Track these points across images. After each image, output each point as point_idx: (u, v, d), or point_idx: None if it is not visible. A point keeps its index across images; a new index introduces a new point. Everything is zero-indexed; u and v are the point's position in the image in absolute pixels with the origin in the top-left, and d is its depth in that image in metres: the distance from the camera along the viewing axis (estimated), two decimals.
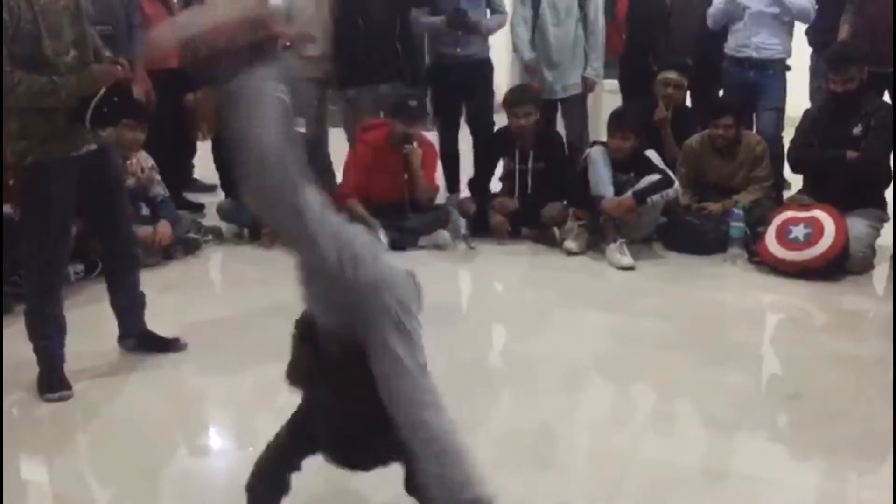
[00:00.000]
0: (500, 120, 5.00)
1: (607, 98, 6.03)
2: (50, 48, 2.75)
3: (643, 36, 5.27)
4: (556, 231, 4.65)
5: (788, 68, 4.96)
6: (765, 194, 4.57)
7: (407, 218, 4.62)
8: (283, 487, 2.00)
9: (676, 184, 4.39)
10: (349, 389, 1.77)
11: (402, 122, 4.54)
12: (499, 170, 4.92)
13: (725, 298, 3.93)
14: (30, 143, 2.79)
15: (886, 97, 4.68)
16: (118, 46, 4.41)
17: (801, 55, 5.13)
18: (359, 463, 1.95)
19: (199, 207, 5.17)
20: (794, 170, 4.65)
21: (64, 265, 3.14)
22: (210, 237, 4.66)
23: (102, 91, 2.80)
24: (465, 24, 4.86)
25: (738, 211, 4.36)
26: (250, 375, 3.11)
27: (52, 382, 2.94)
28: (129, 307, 3.25)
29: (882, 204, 4.32)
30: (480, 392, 2.92)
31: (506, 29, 5.22)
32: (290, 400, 1.91)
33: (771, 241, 4.16)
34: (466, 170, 5.11)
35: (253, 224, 4.69)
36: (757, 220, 4.33)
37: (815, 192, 4.35)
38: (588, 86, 5.14)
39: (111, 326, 3.29)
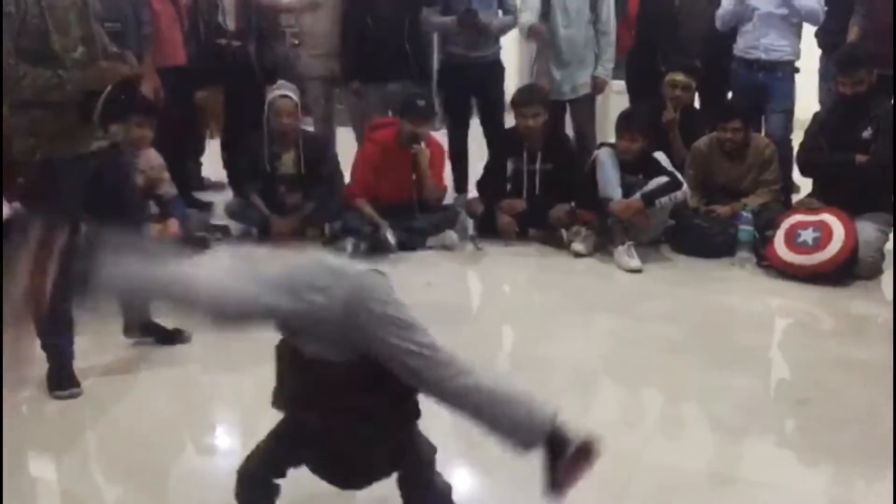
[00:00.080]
0: (509, 120, 5.00)
1: (615, 99, 6.02)
2: (58, 43, 2.76)
3: (651, 35, 5.26)
4: (564, 233, 4.64)
5: (797, 70, 4.94)
6: (773, 197, 4.55)
7: (415, 218, 4.63)
8: (273, 492, 1.99)
9: (685, 186, 4.38)
10: (343, 413, 1.77)
11: (410, 122, 4.55)
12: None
13: (733, 302, 3.92)
14: (38, 141, 2.80)
15: None
16: (127, 43, 4.43)
17: (810, 57, 5.11)
18: (351, 483, 1.96)
19: (208, 206, 5.18)
20: (803, 173, 4.63)
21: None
22: (219, 236, 4.67)
23: (110, 88, 2.80)
24: (475, 24, 4.86)
25: (746, 214, 4.36)
26: (257, 374, 3.07)
27: (62, 380, 2.95)
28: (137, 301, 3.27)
29: (892, 208, 4.30)
30: None
31: (515, 30, 5.21)
32: None
33: (779, 245, 4.14)
34: (475, 170, 5.11)
35: (261, 223, 4.70)
36: (765, 224, 4.32)
37: (824, 196, 4.33)
38: (598, 86, 5.13)
39: (119, 324, 3.31)
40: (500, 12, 5.06)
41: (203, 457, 2.71)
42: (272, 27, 5.20)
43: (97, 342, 3.22)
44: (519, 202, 4.73)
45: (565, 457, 1.76)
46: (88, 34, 2.86)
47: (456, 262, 4.50)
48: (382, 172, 4.61)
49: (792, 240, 4.12)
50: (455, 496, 2.05)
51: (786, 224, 4.19)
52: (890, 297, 4.01)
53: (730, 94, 5.15)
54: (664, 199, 4.33)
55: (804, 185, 4.88)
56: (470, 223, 4.82)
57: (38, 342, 2.96)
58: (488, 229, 4.71)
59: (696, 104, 5.22)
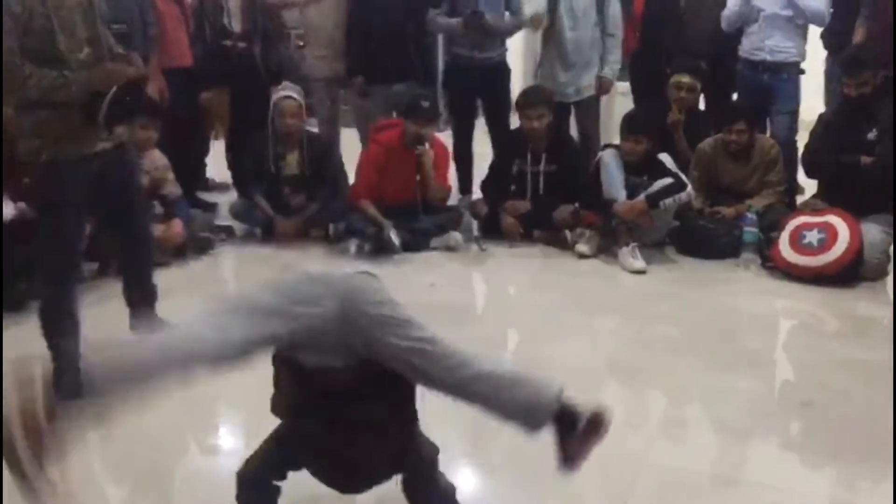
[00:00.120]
0: (514, 122, 4.99)
1: (620, 100, 6.02)
2: (64, 44, 2.76)
3: (656, 36, 5.25)
4: (568, 234, 4.64)
5: (803, 72, 4.93)
6: (778, 199, 4.55)
7: (419, 219, 4.63)
8: (274, 494, 1.99)
9: (689, 187, 4.37)
10: (344, 420, 1.78)
11: (414, 123, 4.55)
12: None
13: (738, 303, 3.91)
14: (44, 142, 2.80)
15: None
16: (132, 45, 4.44)
17: (815, 58, 5.11)
18: (352, 487, 1.96)
19: (212, 206, 5.18)
20: (808, 174, 4.62)
21: (78, 263, 3.16)
22: (223, 236, 4.67)
23: (115, 89, 2.80)
24: (481, 26, 4.86)
25: (751, 215, 4.35)
26: (261, 375, 3.10)
27: (67, 380, 2.95)
28: (143, 300, 3.28)
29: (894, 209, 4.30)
30: None
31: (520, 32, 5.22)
32: None
33: (784, 247, 4.14)
34: (479, 172, 5.11)
35: (265, 224, 4.71)
36: (770, 225, 4.32)
37: (830, 197, 4.32)
38: (603, 86, 5.11)
39: (124, 325, 3.31)
40: (507, 14, 5.05)
41: (207, 457, 2.72)
42: (277, 28, 5.21)
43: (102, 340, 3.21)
44: (523, 203, 4.73)
45: (576, 431, 1.79)
46: (94, 35, 2.86)
47: (460, 263, 4.50)
48: (386, 173, 4.61)
49: (797, 241, 4.12)
50: (459, 497, 2.04)
51: (791, 225, 4.19)
52: None
53: (735, 96, 5.15)
54: (668, 201, 4.33)
55: (809, 186, 4.87)
56: (474, 224, 4.82)
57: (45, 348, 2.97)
58: (492, 230, 4.71)
59: (701, 105, 5.22)
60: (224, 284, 4.47)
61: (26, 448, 1.57)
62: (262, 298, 1.76)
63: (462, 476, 2.36)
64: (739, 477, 2.50)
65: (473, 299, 4.26)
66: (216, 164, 5.65)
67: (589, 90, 5.07)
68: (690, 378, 3.12)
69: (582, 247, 4.48)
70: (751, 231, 4.30)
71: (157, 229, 4.15)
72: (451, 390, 1.79)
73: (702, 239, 4.44)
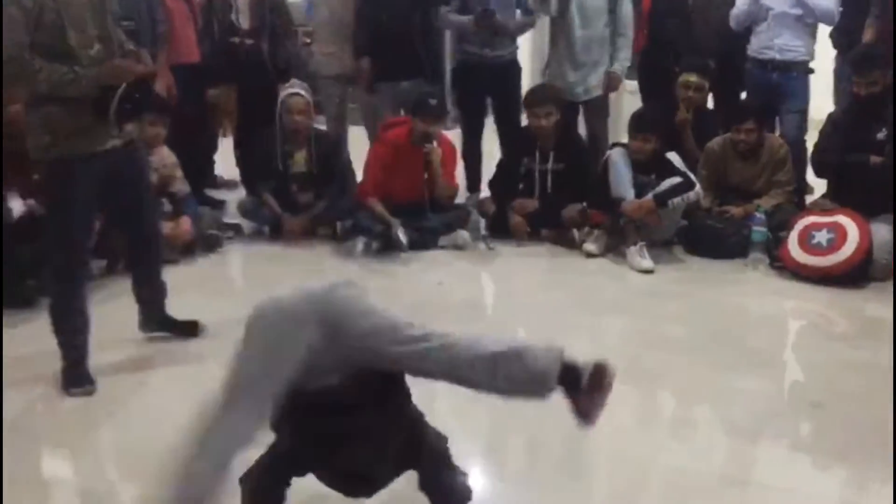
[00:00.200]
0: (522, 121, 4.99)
1: (628, 99, 6.00)
2: (74, 40, 2.76)
3: (664, 34, 5.23)
4: (576, 233, 4.63)
5: (812, 71, 4.92)
6: (787, 198, 4.54)
7: (426, 217, 4.62)
8: (281, 498, 1.99)
9: (698, 187, 4.37)
10: (346, 436, 1.79)
11: (422, 121, 4.54)
12: None
13: (747, 304, 3.90)
14: (53, 138, 2.81)
15: None
16: (141, 41, 4.45)
17: (825, 57, 5.09)
18: (363, 493, 1.97)
19: (220, 204, 5.19)
20: (818, 174, 4.61)
21: (87, 260, 3.17)
22: (231, 234, 4.68)
23: (125, 86, 2.81)
24: (492, 24, 4.85)
25: (759, 215, 4.34)
26: None
27: (77, 377, 2.97)
28: (152, 297, 3.31)
29: None
30: None
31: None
32: None
33: (793, 246, 4.13)
34: (487, 170, 5.10)
35: (273, 222, 4.71)
36: (779, 225, 4.30)
37: (839, 197, 4.31)
38: (612, 82, 5.05)
39: (134, 321, 3.33)
40: (519, 13, 5.03)
41: None
42: (285, 25, 5.20)
43: (111, 337, 3.22)
44: (530, 202, 4.72)
45: (582, 387, 1.84)
46: (105, 32, 2.87)
47: (467, 261, 4.50)
48: (394, 171, 4.60)
49: (806, 241, 4.11)
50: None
51: (799, 225, 4.18)
52: None
53: (743, 95, 5.13)
54: (677, 200, 4.32)
55: (818, 185, 4.86)
56: (482, 223, 4.82)
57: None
58: (500, 229, 4.71)
59: (710, 104, 5.21)
60: (232, 282, 4.48)
61: None
62: (249, 372, 1.79)
63: (471, 477, 2.35)
64: (748, 478, 2.49)
65: (481, 298, 4.26)
66: (224, 162, 5.66)
67: (598, 89, 5.05)
68: (699, 378, 3.12)
69: (590, 246, 4.47)
70: (759, 231, 4.29)
71: (166, 227, 4.15)
72: (459, 379, 1.83)
73: (710, 238, 4.43)
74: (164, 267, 3.35)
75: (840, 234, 4.04)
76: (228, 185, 5.59)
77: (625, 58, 5.05)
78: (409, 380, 1.92)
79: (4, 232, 3.65)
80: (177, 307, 3.40)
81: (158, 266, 3.29)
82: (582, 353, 3.26)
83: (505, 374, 1.80)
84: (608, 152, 4.56)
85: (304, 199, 4.75)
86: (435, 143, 4.58)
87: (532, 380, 1.81)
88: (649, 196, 4.32)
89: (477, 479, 2.41)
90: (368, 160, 4.77)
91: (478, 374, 1.80)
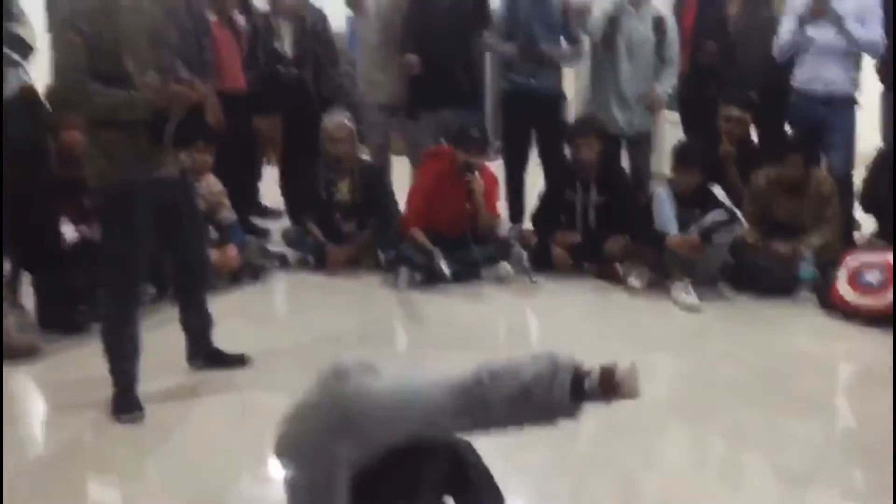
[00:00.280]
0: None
1: (670, 130, 5.98)
2: (131, 66, 2.81)
3: (705, 61, 5.19)
4: (619, 267, 4.60)
5: (857, 103, 4.86)
6: (835, 235, 4.47)
7: (469, 249, 4.62)
8: None
9: (742, 221, 4.32)
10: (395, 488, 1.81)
11: (464, 152, 4.56)
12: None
13: (795, 344, 3.84)
14: (112, 164, 2.85)
15: None
16: (188, 69, 4.51)
17: (871, 90, 5.03)
18: None
19: (264, 232, 5.23)
20: (866, 210, 4.55)
21: (142, 287, 3.21)
22: (276, 262, 4.71)
23: (181, 112, 2.85)
24: (537, 54, 4.86)
25: (807, 253, 4.28)
26: None
27: (126, 403, 3.00)
28: (199, 327, 3.34)
29: None
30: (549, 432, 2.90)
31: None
32: None
33: (843, 285, 4.06)
34: (530, 201, 5.09)
35: (317, 250, 4.74)
36: (827, 263, 4.24)
37: (889, 234, 4.24)
38: (654, 102, 5.02)
39: (181, 348, 3.36)
40: (565, 42, 5.05)
41: (259, 485, 2.71)
42: (329, 54, 5.26)
43: (159, 364, 3.25)
44: (573, 235, 4.71)
45: (595, 397, 1.81)
46: (161, 60, 2.90)
47: (510, 293, 4.48)
48: (437, 202, 4.62)
49: (856, 280, 4.04)
50: None
51: (849, 263, 4.12)
52: None
53: (788, 127, 5.08)
54: (721, 235, 4.28)
55: (866, 221, 4.78)
56: (524, 255, 4.81)
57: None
58: (542, 262, 4.69)
59: (754, 134, 5.16)
60: (278, 311, 4.51)
61: None
62: (303, 483, 1.84)
63: None
64: None
65: (524, 331, 4.24)
66: (268, 190, 5.71)
67: (644, 125, 5.04)
68: (748, 420, 3.07)
69: (633, 281, 4.45)
70: (808, 268, 4.23)
71: (213, 254, 4.20)
72: (495, 425, 1.82)
73: (757, 275, 4.38)
74: (210, 294, 3.38)
75: (891, 274, 3.97)
76: (272, 213, 5.63)
77: (668, 82, 5.02)
78: None
79: (57, 258, 3.71)
80: (222, 334, 3.43)
81: (205, 295, 3.32)
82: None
83: (531, 404, 1.80)
84: (652, 188, 4.54)
85: (348, 229, 4.78)
86: (476, 174, 4.60)
87: (549, 411, 1.80)
88: (694, 231, 4.28)
89: None
90: (411, 190, 4.79)
91: (510, 412, 1.81)
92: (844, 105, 4.81)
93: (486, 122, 5.56)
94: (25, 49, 3.43)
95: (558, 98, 5.15)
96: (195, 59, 4.83)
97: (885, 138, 4.95)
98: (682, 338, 3.90)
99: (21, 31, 3.40)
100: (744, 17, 5.15)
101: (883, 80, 5.03)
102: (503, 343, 3.97)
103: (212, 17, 4.92)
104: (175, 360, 3.36)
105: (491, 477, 2.02)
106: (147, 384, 3.09)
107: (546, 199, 4.88)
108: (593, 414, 3.05)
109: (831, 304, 4.11)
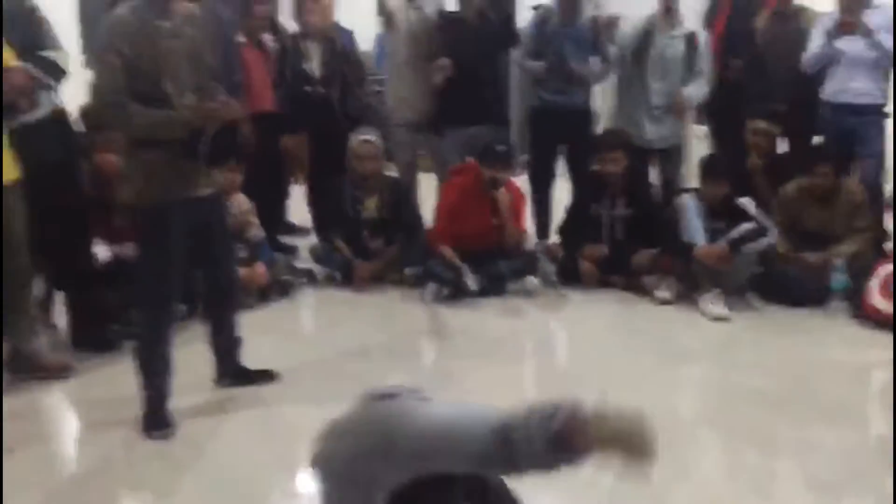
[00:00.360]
0: None
1: (697, 144, 5.96)
2: (170, 87, 2.85)
3: (733, 74, 5.17)
4: (647, 279, 4.58)
5: (887, 115, 4.82)
6: (866, 245, 4.42)
7: (495, 263, 4.62)
8: None
9: (772, 232, 4.29)
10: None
11: (490, 168, 4.58)
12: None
13: (827, 354, 3.80)
14: (150, 185, 2.89)
15: None
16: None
17: None
18: None
19: (293, 250, 5.28)
20: None
21: (176, 305, 3.25)
22: (304, 279, 4.75)
23: (216, 129, 2.90)
24: (567, 72, 4.89)
25: (838, 262, 4.24)
26: None
27: (158, 420, 3.03)
28: (228, 347, 3.37)
29: None
30: None
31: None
32: None
33: (875, 295, 4.02)
34: (557, 216, 5.09)
35: (345, 267, 4.77)
36: (859, 272, 4.20)
37: None
38: (679, 106, 4.95)
39: (209, 364, 3.39)
40: (593, 59, 5.03)
41: (292, 500, 2.73)
42: (356, 74, 5.31)
43: (189, 381, 3.27)
44: (600, 248, 4.70)
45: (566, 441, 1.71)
46: (199, 82, 2.95)
47: (537, 307, 4.48)
48: (463, 217, 4.64)
49: (888, 289, 3.99)
50: None
51: (881, 273, 4.07)
52: None
53: (817, 138, 5.05)
54: (750, 246, 4.25)
55: None
56: (551, 269, 4.81)
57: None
58: (569, 275, 4.69)
59: (784, 147, 5.12)
60: (306, 327, 4.54)
61: None
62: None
63: None
64: None
65: (552, 344, 4.23)
66: (296, 208, 5.77)
67: (675, 138, 5.02)
68: (780, 430, 3.04)
69: (662, 292, 4.42)
70: (839, 278, 4.19)
71: (241, 272, 4.24)
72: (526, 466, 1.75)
73: (787, 286, 4.34)
74: (239, 311, 3.41)
75: None
76: (300, 230, 5.68)
77: (697, 91, 4.97)
78: None
79: (90, 277, 3.77)
80: (251, 350, 3.46)
81: (235, 315, 3.35)
82: (658, 400, 3.24)
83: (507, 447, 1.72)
84: (678, 198, 4.52)
85: (375, 245, 4.81)
86: (503, 189, 4.61)
87: (538, 437, 1.71)
88: (722, 242, 4.26)
89: None
90: (438, 206, 4.81)
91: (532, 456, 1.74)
92: (874, 115, 4.78)
93: (512, 138, 5.57)
94: (59, 73, 3.51)
95: (588, 113, 5.15)
96: (225, 80, 4.92)
97: None
98: (711, 348, 3.88)
99: (55, 55, 3.49)
100: (772, 30, 5.13)
101: None
102: (530, 356, 3.96)
103: (241, 40, 4.99)
104: (203, 377, 3.39)
105: (514, 499, 1.99)
106: (176, 400, 3.12)
107: (573, 213, 4.88)
108: None
109: (863, 313, 4.07)
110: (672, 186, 5.09)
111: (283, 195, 5.77)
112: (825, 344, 3.91)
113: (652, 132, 4.98)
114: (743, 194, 4.49)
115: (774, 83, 5.09)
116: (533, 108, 5.23)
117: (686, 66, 4.92)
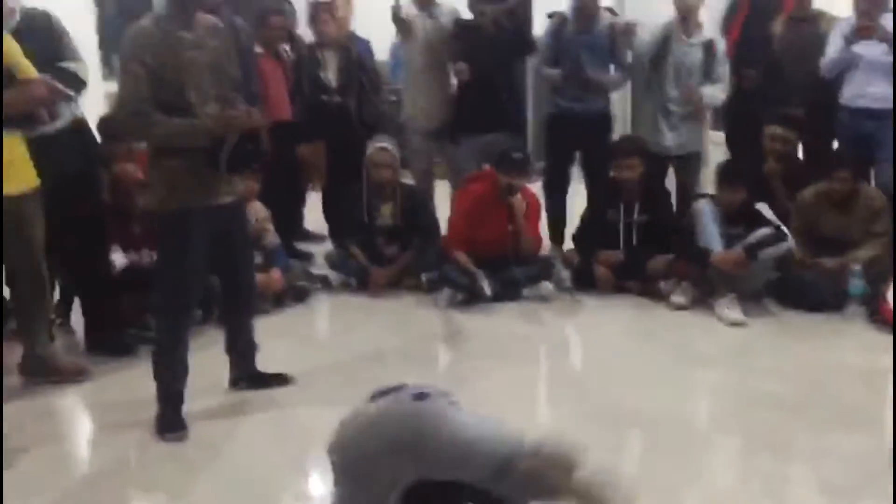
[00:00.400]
0: None
1: (714, 150, 5.93)
2: (193, 97, 2.89)
3: (750, 79, 5.15)
4: (662, 285, 4.56)
5: None
6: (884, 250, 4.38)
7: (510, 269, 4.62)
8: None
9: (789, 238, 4.26)
10: None
11: (505, 174, 4.59)
12: None
13: (844, 359, 3.76)
14: (173, 192, 2.93)
15: None
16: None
17: None
18: None
19: (308, 256, 5.31)
20: None
21: (194, 311, 3.29)
22: (319, 285, 4.77)
23: (237, 137, 2.93)
24: (583, 79, 4.89)
25: (856, 267, 4.20)
26: None
27: (172, 422, 3.06)
28: (243, 352, 3.39)
29: None
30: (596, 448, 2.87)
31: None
32: None
33: (892, 300, 3.97)
34: (572, 222, 5.09)
35: (360, 273, 4.79)
36: (877, 277, 4.15)
37: None
38: (696, 102, 4.90)
39: (224, 367, 3.42)
40: (612, 67, 5.05)
41: (306, 503, 2.74)
42: (372, 83, 5.35)
43: (204, 384, 3.30)
44: (616, 254, 4.69)
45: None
46: (222, 92, 2.98)
47: (552, 313, 4.48)
48: (478, 223, 4.64)
49: None
50: None
51: None
52: None
53: (836, 143, 5.01)
54: (767, 252, 4.23)
55: None
56: (566, 275, 4.80)
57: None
58: (584, 281, 4.68)
59: (801, 151, 5.09)
60: (321, 332, 4.56)
61: None
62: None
63: None
64: None
65: (567, 350, 4.22)
66: (312, 215, 5.80)
67: (693, 145, 5.01)
68: (795, 436, 3.02)
69: (677, 298, 4.40)
70: (857, 283, 4.15)
71: (258, 278, 4.27)
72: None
73: (804, 291, 4.30)
74: (255, 317, 3.44)
75: None
76: (316, 237, 5.72)
77: (715, 93, 4.94)
78: None
79: (107, 283, 3.81)
80: (267, 355, 3.49)
81: (252, 321, 3.38)
82: (676, 407, 3.22)
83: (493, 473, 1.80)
84: (695, 203, 4.51)
85: (390, 252, 4.83)
86: (518, 196, 4.62)
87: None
88: (739, 247, 4.24)
89: None
90: (453, 212, 4.82)
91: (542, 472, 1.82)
92: (892, 120, 4.74)
93: (528, 145, 5.57)
94: (79, 84, 3.57)
95: (606, 119, 5.15)
96: (244, 90, 4.96)
97: None
98: (728, 353, 3.85)
99: (75, 67, 3.55)
100: (788, 35, 5.11)
101: None
102: (545, 360, 3.96)
103: (259, 50, 5.04)
104: (218, 380, 3.42)
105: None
106: (191, 403, 3.15)
107: (588, 219, 4.87)
108: (638, 431, 3.07)
109: (881, 318, 4.02)
110: (689, 192, 5.07)
111: (299, 203, 5.81)
112: (842, 349, 3.87)
113: (670, 139, 4.96)
114: (760, 200, 4.46)
115: (791, 88, 5.07)
116: (550, 114, 5.23)
117: (704, 74, 4.91)
